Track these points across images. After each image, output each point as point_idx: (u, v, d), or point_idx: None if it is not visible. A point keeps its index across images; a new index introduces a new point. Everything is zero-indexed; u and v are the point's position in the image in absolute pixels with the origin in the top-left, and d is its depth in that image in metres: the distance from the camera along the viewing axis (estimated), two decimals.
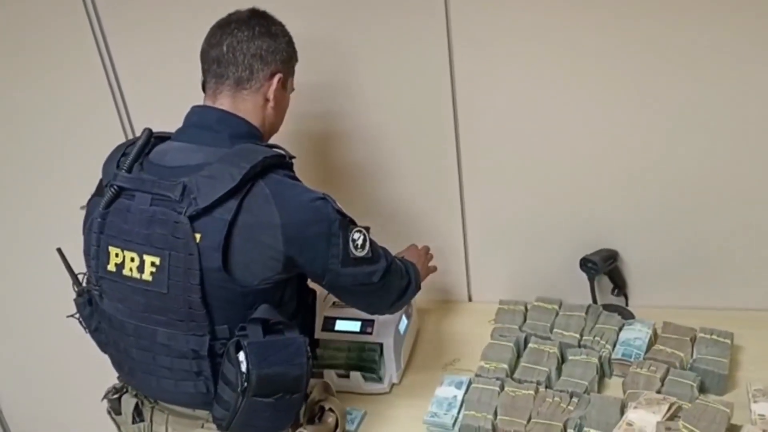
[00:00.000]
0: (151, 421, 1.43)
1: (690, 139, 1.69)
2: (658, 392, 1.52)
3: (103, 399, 1.50)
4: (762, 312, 1.80)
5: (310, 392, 1.43)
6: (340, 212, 1.35)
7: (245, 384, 1.24)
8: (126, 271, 1.30)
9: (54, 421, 2.52)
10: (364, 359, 1.69)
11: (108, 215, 1.32)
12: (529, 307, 1.87)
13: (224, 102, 1.39)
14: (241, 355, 1.25)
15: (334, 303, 1.78)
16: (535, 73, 1.72)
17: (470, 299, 2.05)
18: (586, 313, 1.80)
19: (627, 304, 1.91)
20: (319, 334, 1.69)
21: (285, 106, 1.50)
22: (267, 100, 1.42)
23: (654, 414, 1.43)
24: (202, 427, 1.38)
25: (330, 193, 1.36)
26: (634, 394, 1.52)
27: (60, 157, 2.12)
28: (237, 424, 1.30)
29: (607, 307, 1.86)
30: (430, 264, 1.82)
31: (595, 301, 1.86)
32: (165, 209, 1.26)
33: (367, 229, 1.40)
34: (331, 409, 1.45)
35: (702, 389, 1.58)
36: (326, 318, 1.73)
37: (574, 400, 1.56)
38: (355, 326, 1.70)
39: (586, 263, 1.81)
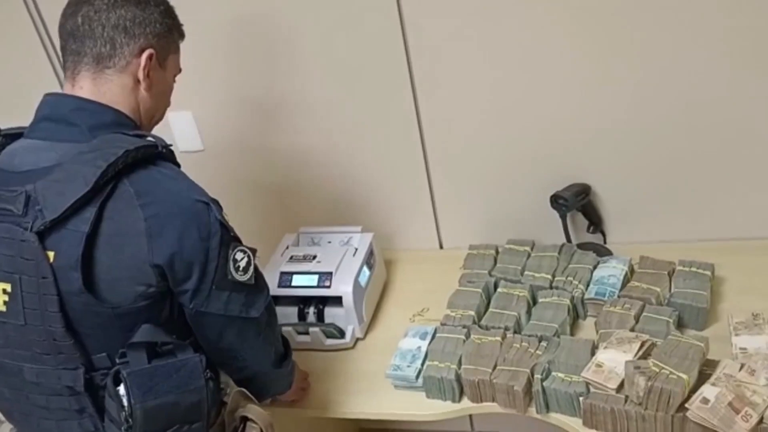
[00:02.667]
0: None
1: (659, 68, 1.56)
2: (632, 330, 1.43)
3: None
4: (745, 241, 1.70)
5: (225, 403, 1.24)
6: (223, 224, 1.13)
7: (129, 422, 1.07)
8: None
9: None
10: (326, 331, 1.61)
11: None
12: (500, 250, 1.77)
13: (84, 84, 1.16)
14: (122, 388, 1.08)
15: (291, 257, 1.70)
16: (495, 15, 1.59)
17: (441, 247, 1.96)
18: (559, 253, 1.70)
19: (605, 242, 1.81)
20: (275, 290, 1.61)
21: (166, 89, 1.26)
22: (138, 81, 1.18)
23: (625, 353, 1.35)
24: None
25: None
26: (606, 333, 1.43)
27: None
28: None
29: (584, 246, 1.76)
30: (303, 393, 1.54)
31: (568, 239, 1.76)
32: (9, 226, 1.05)
33: (253, 251, 1.20)
34: (253, 420, 1.24)
35: (681, 325, 1.49)
36: (282, 274, 1.65)
37: (543, 344, 1.47)
38: (312, 279, 1.62)
39: (556, 200, 1.70)
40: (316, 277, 1.62)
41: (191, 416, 1.13)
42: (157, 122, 1.27)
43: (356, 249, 1.71)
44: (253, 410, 1.26)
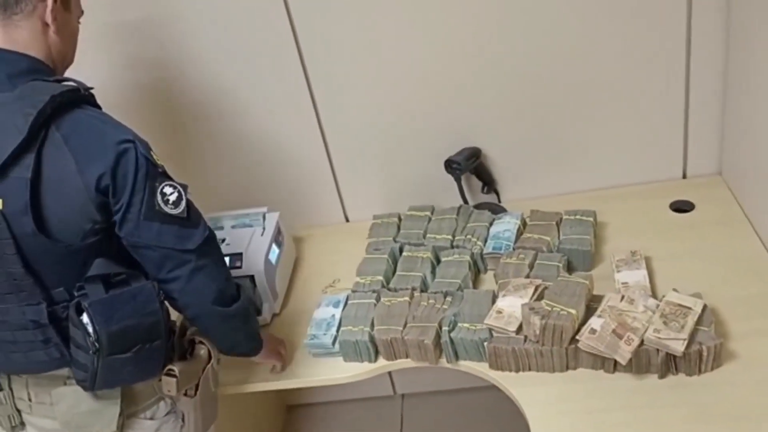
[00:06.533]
0: (10, 388, 1.33)
1: (531, 30, 1.67)
2: (527, 278, 1.55)
3: None
4: (622, 187, 1.85)
5: (175, 330, 1.36)
6: (149, 159, 1.19)
7: (96, 345, 1.17)
8: None
9: None
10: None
11: None
12: (402, 217, 1.86)
13: None
14: (85, 317, 1.17)
15: None
16: None
17: (347, 220, 2.03)
18: (457, 214, 1.80)
19: (499, 201, 1.92)
20: None
21: (74, 31, 1.30)
22: (46, 24, 1.21)
23: (521, 298, 1.46)
24: (65, 384, 1.29)
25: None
26: (505, 283, 1.54)
27: None
28: (100, 383, 1.23)
29: (480, 206, 1.87)
30: (279, 357, 1.56)
31: (465, 201, 1.87)
32: None
33: (184, 186, 1.25)
34: (201, 342, 1.36)
35: (571, 268, 1.62)
36: None
37: (449, 299, 1.57)
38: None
39: (450, 164, 1.80)
40: (227, 259, 1.64)
41: (151, 336, 1.23)
42: (68, 65, 1.30)
43: (264, 229, 1.75)
44: (202, 333, 1.36)
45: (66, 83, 1.18)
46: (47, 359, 1.25)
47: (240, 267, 1.64)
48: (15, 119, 1.10)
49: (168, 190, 1.21)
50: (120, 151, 1.15)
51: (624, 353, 1.31)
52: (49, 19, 1.21)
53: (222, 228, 1.79)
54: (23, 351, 1.24)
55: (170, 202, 1.21)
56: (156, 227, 1.20)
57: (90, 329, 1.16)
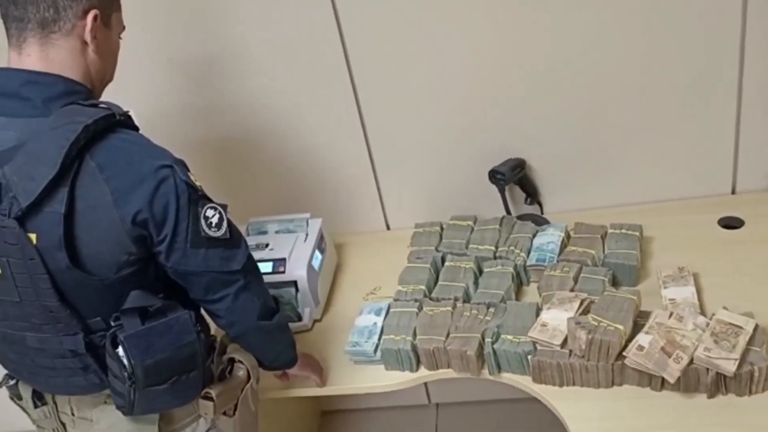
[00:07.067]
0: (55, 402, 1.33)
1: (580, 42, 1.66)
2: (572, 291, 1.54)
3: (0, 386, 1.38)
4: (669, 202, 1.83)
5: (215, 348, 1.34)
6: (189, 184, 1.15)
7: (132, 379, 1.16)
8: None
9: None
10: (281, 300, 1.65)
11: None
12: (444, 227, 1.85)
13: (32, 52, 1.13)
14: (120, 350, 1.15)
15: None
16: None
17: (388, 228, 2.03)
18: (500, 225, 1.79)
19: (542, 212, 1.91)
20: None
21: (114, 49, 1.24)
22: (85, 43, 1.16)
23: (566, 311, 1.45)
24: (105, 402, 1.29)
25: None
26: (549, 296, 1.53)
27: None
28: (138, 410, 1.22)
29: (522, 217, 1.86)
30: (314, 376, 1.54)
31: (508, 212, 1.86)
32: None
33: (224, 207, 1.22)
34: (240, 362, 1.34)
35: (615, 282, 1.60)
36: None
37: (491, 310, 1.56)
38: (267, 267, 1.66)
39: (494, 175, 1.79)
40: (270, 264, 1.67)
41: (187, 367, 1.21)
42: (108, 82, 1.26)
43: (307, 235, 1.76)
44: (240, 352, 1.35)
45: (101, 107, 1.13)
46: (87, 384, 1.25)
47: (283, 272, 1.66)
48: (49, 150, 1.06)
49: (210, 212, 1.19)
50: (158, 180, 1.12)
51: (673, 371, 1.29)
52: (88, 38, 1.16)
53: (266, 233, 1.80)
54: (63, 377, 1.24)
55: (213, 224, 1.19)
56: (202, 253, 1.19)
57: (125, 362, 1.15)
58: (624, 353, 1.34)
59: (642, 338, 1.34)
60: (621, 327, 1.35)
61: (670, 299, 1.50)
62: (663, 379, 1.32)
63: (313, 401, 2.33)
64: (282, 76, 1.81)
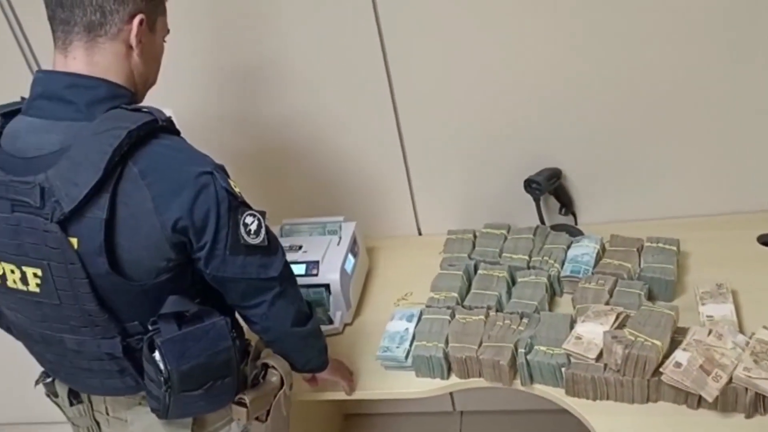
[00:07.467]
0: (90, 401, 1.34)
1: (622, 55, 1.64)
2: (607, 304, 1.52)
3: (36, 384, 1.40)
4: (706, 217, 1.80)
5: (249, 353, 1.35)
6: (229, 191, 1.15)
7: (168, 383, 1.16)
8: (10, 283, 1.15)
9: (26, 407, 2.48)
10: (312, 301, 1.65)
11: None
12: (477, 234, 1.85)
13: (78, 55, 1.13)
14: (157, 354, 1.15)
15: None
16: (470, 3, 1.65)
17: (420, 233, 2.03)
18: (534, 234, 1.78)
19: (576, 223, 1.90)
20: None
21: (158, 52, 1.24)
22: (130, 47, 1.16)
23: (602, 325, 1.43)
24: (140, 404, 1.30)
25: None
26: (583, 308, 1.52)
27: None
28: (172, 414, 1.22)
29: (556, 227, 1.84)
30: (344, 382, 1.54)
31: (542, 221, 1.85)
32: (29, 216, 1.08)
33: (263, 213, 1.22)
34: (274, 367, 1.34)
35: (651, 297, 1.58)
36: None
37: (525, 320, 1.55)
38: (300, 269, 1.66)
39: (530, 184, 1.78)
40: (303, 266, 1.67)
41: (222, 372, 1.21)
42: (151, 85, 1.26)
43: (340, 238, 1.76)
44: (274, 357, 1.35)
45: (143, 112, 1.13)
46: (123, 386, 1.25)
47: (316, 275, 1.66)
48: (92, 156, 1.06)
49: (249, 219, 1.19)
50: (199, 187, 1.12)
51: (711, 390, 1.27)
52: (134, 42, 1.16)
53: (299, 234, 1.81)
54: (100, 378, 1.25)
55: (252, 232, 1.19)
56: (240, 260, 1.19)
57: (161, 366, 1.15)
58: (661, 369, 1.32)
59: (680, 355, 1.32)
60: (659, 343, 1.33)
61: (707, 316, 1.48)
62: (700, 398, 1.30)
63: (336, 404, 2.33)
64: (322, 86, 1.82)
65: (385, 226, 2.02)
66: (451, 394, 2.27)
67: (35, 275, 1.12)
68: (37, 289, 1.13)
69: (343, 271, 1.68)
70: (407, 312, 1.66)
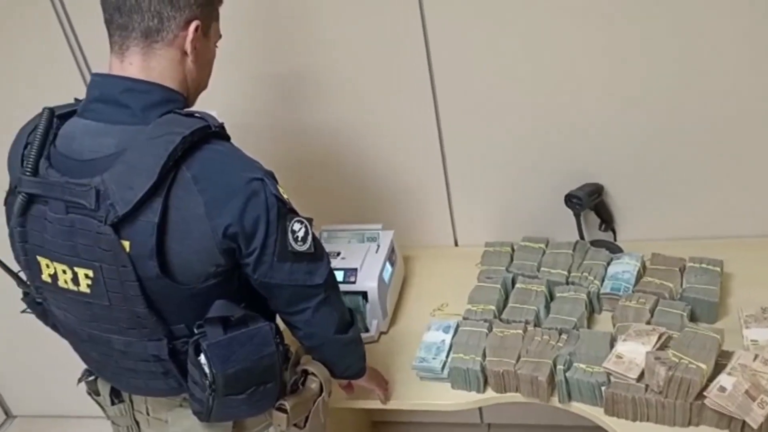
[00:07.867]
0: (131, 401, 1.35)
1: (668, 69, 1.63)
2: (648, 323, 1.50)
3: (79, 382, 1.41)
4: (751, 238, 1.77)
5: (289, 359, 1.35)
6: (279, 197, 1.16)
7: (213, 387, 1.17)
8: (61, 283, 1.17)
9: (54, 400, 2.52)
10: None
11: (26, 223, 1.16)
12: (515, 247, 1.84)
13: (134, 60, 1.15)
14: (203, 358, 1.16)
15: None
16: (513, 15, 1.65)
17: (456, 244, 2.02)
18: (574, 249, 1.77)
19: (615, 239, 1.88)
20: None
21: (210, 58, 1.25)
22: (185, 53, 1.17)
23: (644, 345, 1.41)
24: (181, 405, 1.31)
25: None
26: (624, 327, 1.50)
27: None
28: (215, 417, 1.23)
29: (595, 243, 1.83)
30: (379, 391, 1.55)
31: (582, 237, 1.83)
32: (83, 218, 1.10)
33: (310, 220, 1.23)
34: (314, 374, 1.35)
35: (693, 318, 1.56)
36: None
37: (564, 336, 1.53)
38: (338, 275, 1.65)
39: (570, 199, 1.77)
40: (341, 273, 1.67)
41: (265, 378, 1.22)
42: (202, 90, 1.27)
43: (378, 246, 1.76)
44: (314, 364, 1.36)
45: (196, 117, 1.14)
46: (166, 387, 1.26)
47: (354, 282, 1.66)
48: (147, 160, 1.08)
49: (297, 226, 1.20)
50: (249, 193, 1.13)
51: (757, 417, 1.25)
52: (188, 48, 1.17)
53: (338, 241, 1.81)
54: (144, 379, 1.26)
55: (299, 239, 1.20)
56: (288, 266, 1.20)
57: (207, 370, 1.16)
58: (704, 393, 1.30)
59: (724, 379, 1.30)
60: (703, 366, 1.32)
61: (752, 340, 1.45)
62: (744, 423, 1.28)
63: (365, 411, 2.32)
64: (365, 95, 1.82)
65: (422, 235, 2.01)
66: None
67: (86, 276, 1.13)
68: (88, 290, 1.14)
69: (380, 279, 1.67)
70: (444, 323, 1.65)
